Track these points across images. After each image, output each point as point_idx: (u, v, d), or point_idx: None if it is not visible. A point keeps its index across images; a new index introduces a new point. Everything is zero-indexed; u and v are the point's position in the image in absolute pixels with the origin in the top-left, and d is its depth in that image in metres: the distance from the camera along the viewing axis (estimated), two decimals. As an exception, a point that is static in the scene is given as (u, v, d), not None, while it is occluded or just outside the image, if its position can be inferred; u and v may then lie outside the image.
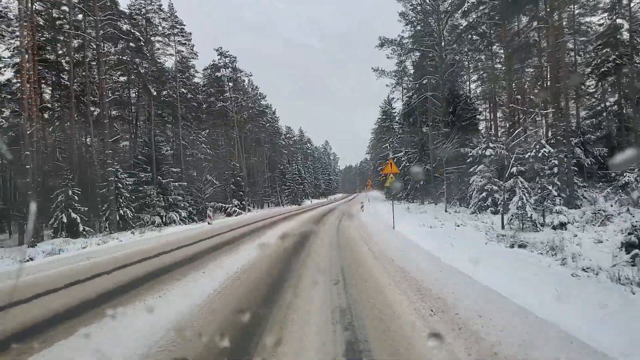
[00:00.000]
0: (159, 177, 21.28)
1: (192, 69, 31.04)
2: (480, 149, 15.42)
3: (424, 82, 26.86)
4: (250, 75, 30.84)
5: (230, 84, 31.52)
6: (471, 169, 15.87)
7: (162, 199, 21.07)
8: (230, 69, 30.77)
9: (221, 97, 31.17)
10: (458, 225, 11.52)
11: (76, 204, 14.94)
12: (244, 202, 34.74)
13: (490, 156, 14.87)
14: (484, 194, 14.45)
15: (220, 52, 30.14)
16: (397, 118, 43.58)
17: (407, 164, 30.08)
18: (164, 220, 20.61)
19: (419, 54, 27.20)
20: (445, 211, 17.19)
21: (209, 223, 15.58)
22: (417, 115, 28.21)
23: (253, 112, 42.15)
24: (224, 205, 29.91)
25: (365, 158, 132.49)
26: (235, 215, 28.71)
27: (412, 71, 31.79)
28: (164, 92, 27.57)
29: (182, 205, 22.12)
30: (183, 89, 31.38)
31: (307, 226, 14.16)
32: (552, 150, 10.55)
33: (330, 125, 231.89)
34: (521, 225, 9.72)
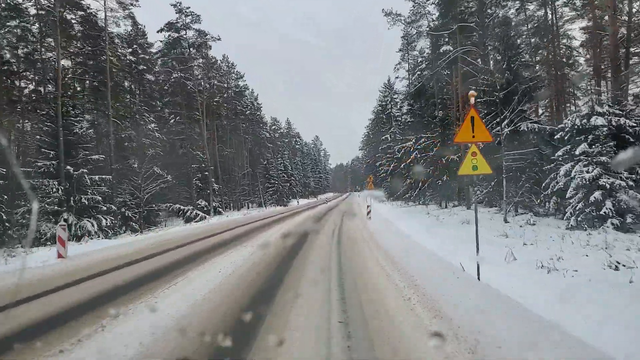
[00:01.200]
0: (67, 166, 14.31)
1: (139, 35, 24.05)
2: (578, 117, 9.01)
3: (444, 48, 20.51)
4: (218, 39, 23.99)
5: (193, 50, 24.57)
6: (559, 152, 9.45)
7: (71, 199, 14.13)
8: (194, 32, 23.86)
9: (181, 68, 24.22)
10: (615, 267, 5.05)
11: None
12: (213, 204, 27.89)
13: (601, 127, 8.47)
14: (596, 195, 8.04)
15: (178, 8, 23.18)
16: (399, 105, 37.32)
17: (419, 155, 23.67)
18: (72, 231, 13.67)
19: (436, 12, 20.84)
20: (505, 222, 10.74)
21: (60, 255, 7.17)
22: (435, 90, 21.81)
23: (229, 95, 35.25)
24: (182, 207, 23.03)
25: (357, 156, 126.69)
26: (197, 221, 21.91)
27: (419, 46, 25.31)
28: (104, 58, 20.52)
29: (106, 208, 15.18)
30: (131, 57, 24.36)
31: (281, 254, 7.58)
32: None
33: (324, 121, 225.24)
34: None
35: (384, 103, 38.19)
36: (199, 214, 22.86)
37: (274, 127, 56.13)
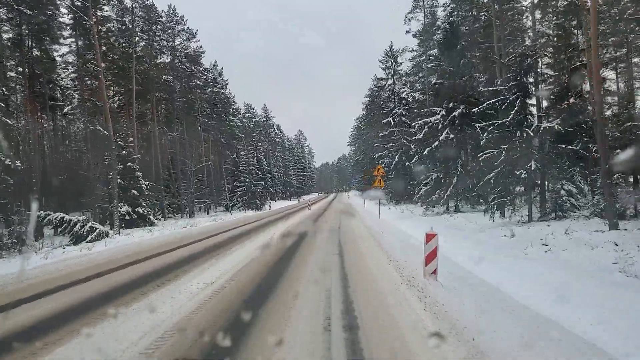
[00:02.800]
0: None
1: None
2: None
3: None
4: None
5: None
6: None
7: None
8: None
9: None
10: None
11: None
12: (141, 210, 18.74)
13: None
14: None
15: None
16: (404, 80, 29.00)
17: (451, 134, 15.41)
18: None
19: None
20: None
21: None
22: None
23: (179, 59, 26.01)
24: (68, 219, 13.69)
25: (343, 154, 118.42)
26: (90, 241, 12.78)
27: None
28: None
29: None
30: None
31: None
32: None
33: (309, 119, 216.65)
34: None
35: (384, 77, 29.68)
36: (95, 229, 13.62)
37: (248, 114, 46.94)
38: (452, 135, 15.29)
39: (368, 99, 39.35)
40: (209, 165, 31.19)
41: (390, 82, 28.75)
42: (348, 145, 71.89)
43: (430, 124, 15.93)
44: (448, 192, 15.18)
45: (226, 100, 33.45)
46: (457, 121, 15.25)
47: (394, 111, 26.87)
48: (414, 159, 23.73)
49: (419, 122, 16.28)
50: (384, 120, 27.42)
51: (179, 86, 26.10)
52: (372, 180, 16.09)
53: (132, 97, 20.88)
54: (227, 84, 33.87)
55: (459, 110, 15.07)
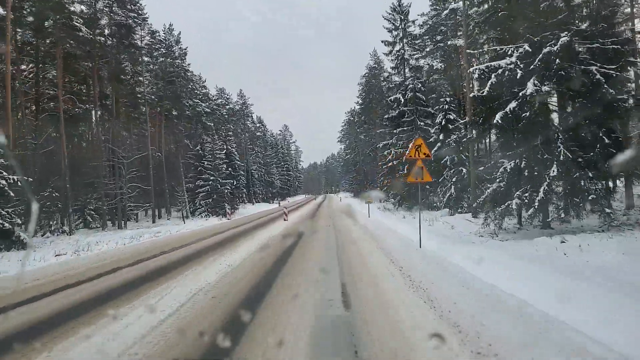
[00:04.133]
0: None
1: None
2: None
3: None
4: None
5: None
6: None
7: None
8: None
9: None
10: None
11: None
12: (-4, 222, 10.98)
13: None
14: None
15: None
16: (419, 37, 22.00)
17: (541, 86, 8.17)
18: None
19: None
20: None
21: None
22: None
23: (107, 3, 18.25)
24: None
25: (332, 153, 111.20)
26: None
27: None
28: None
29: None
30: None
31: None
32: None
33: (297, 118, 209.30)
34: None
35: (390, 41, 22.43)
36: None
37: (220, 101, 39.19)
38: (544, 88, 8.18)
39: (365, 79, 32.19)
40: (156, 157, 23.42)
41: (398, 47, 21.63)
42: (338, 141, 64.61)
43: (500, 70, 8.73)
44: (541, 194, 8.02)
45: (184, 72, 25.70)
46: (554, 63, 8.13)
47: (406, 83, 19.76)
48: (437, 147, 16.80)
49: (480, 67, 9.09)
50: (392, 97, 20.26)
51: (102, 39, 18.34)
52: (409, 167, 8.77)
53: (7, 43, 13.09)
54: (185, 53, 26.16)
55: (562, 40, 7.96)
